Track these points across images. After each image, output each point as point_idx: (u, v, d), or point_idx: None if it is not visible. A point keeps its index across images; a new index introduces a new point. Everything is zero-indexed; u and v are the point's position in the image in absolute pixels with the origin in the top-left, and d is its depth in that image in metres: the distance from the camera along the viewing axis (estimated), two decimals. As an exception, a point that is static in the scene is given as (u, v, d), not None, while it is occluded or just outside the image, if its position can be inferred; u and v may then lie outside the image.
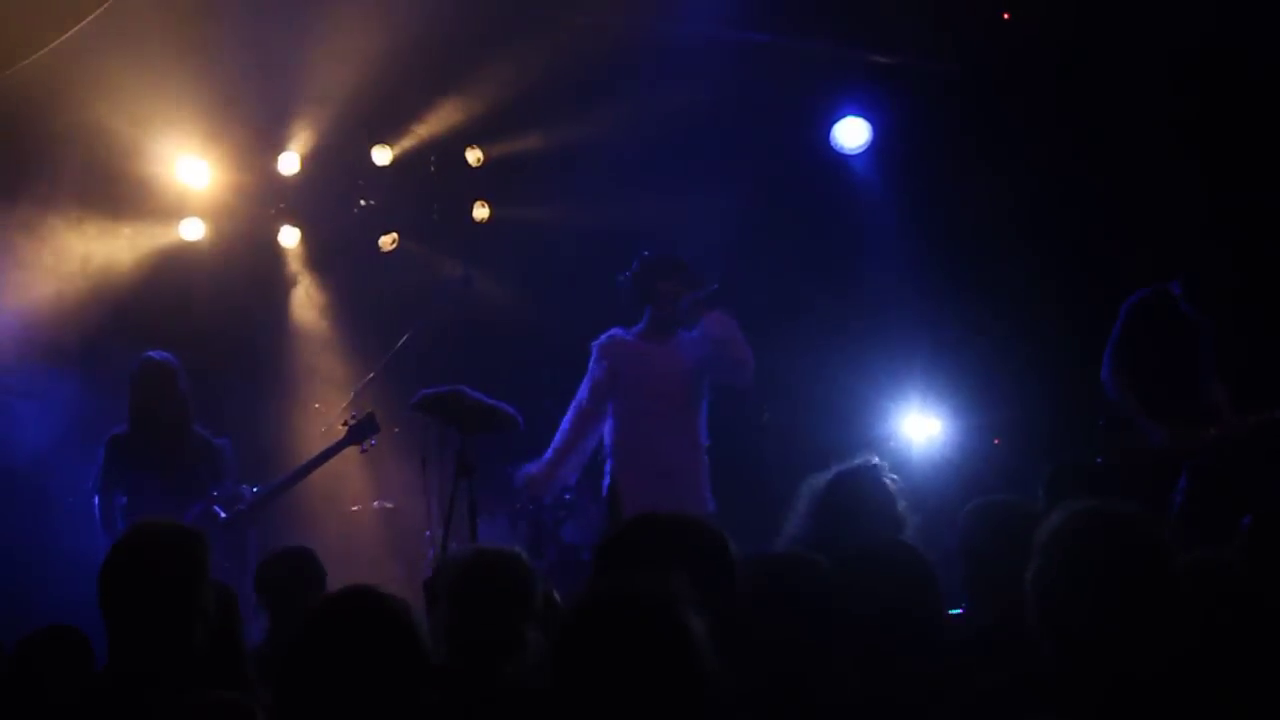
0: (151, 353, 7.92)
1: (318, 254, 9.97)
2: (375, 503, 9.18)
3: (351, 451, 8.26)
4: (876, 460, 5.19)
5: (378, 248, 9.99)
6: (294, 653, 2.81)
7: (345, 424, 8.24)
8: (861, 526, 4.71)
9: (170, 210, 9.37)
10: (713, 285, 7.60)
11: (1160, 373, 7.44)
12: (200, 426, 7.96)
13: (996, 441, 9.37)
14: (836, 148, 9.79)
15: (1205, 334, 7.45)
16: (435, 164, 10.02)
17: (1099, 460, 7.29)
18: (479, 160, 9.95)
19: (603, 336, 7.79)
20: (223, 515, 7.67)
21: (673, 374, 7.61)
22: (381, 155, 9.85)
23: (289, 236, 9.84)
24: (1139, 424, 7.39)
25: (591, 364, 7.76)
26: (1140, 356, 7.51)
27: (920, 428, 9.44)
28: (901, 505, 5.06)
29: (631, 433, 7.58)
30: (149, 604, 3.76)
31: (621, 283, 8.02)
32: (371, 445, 8.22)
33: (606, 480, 7.60)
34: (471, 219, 10.03)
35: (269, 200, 9.78)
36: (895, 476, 5.19)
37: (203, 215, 9.48)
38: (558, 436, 7.77)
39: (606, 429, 7.69)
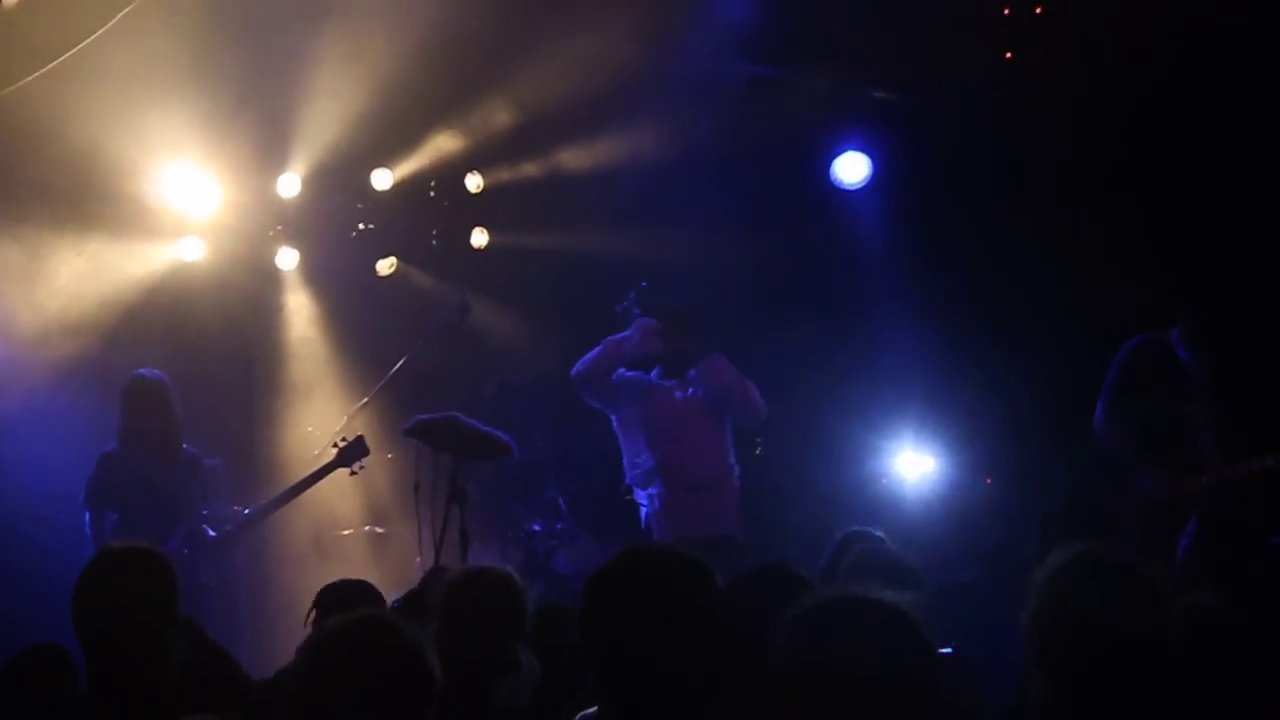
0: (142, 370, 7.91)
1: (316, 276, 9.96)
2: (366, 527, 9.16)
3: (343, 475, 8.25)
4: None
5: (375, 272, 9.99)
6: (300, 680, 2.78)
7: (335, 445, 8.23)
8: None
9: (169, 230, 9.35)
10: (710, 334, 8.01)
11: (1153, 420, 7.45)
12: (191, 445, 7.94)
13: (989, 481, 9.35)
14: (836, 183, 9.80)
15: (1199, 381, 7.45)
16: (435, 189, 10.04)
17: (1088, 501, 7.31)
18: (479, 187, 9.97)
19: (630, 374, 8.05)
20: (211, 534, 7.66)
21: (695, 406, 7.92)
22: (382, 179, 9.85)
23: (287, 258, 9.82)
24: (1132, 469, 7.41)
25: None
26: (1134, 403, 7.53)
27: (913, 466, 9.41)
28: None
29: (668, 454, 7.88)
30: (119, 626, 3.76)
31: (620, 313, 8.05)
32: (360, 468, 8.21)
33: (644, 508, 7.93)
34: (470, 245, 10.03)
35: (268, 221, 9.77)
36: None
37: (202, 235, 9.47)
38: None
39: (636, 459, 7.97)
